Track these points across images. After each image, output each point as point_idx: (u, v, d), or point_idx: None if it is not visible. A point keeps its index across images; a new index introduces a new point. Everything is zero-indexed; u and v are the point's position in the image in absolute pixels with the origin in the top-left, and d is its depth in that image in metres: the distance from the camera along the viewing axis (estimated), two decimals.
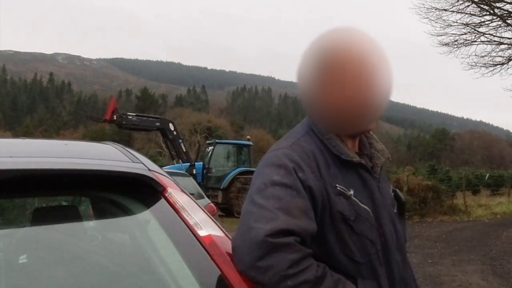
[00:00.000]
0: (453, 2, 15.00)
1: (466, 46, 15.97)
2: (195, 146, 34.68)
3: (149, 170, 1.38)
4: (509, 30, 15.60)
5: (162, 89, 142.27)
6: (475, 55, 16.01)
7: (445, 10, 15.26)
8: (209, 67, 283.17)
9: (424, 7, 15.43)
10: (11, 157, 1.23)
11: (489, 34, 15.79)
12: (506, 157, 74.25)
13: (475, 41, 15.92)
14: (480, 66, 16.10)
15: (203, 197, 7.91)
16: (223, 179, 16.51)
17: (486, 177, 29.44)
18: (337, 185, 1.26)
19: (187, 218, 1.29)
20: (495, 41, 15.85)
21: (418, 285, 1.49)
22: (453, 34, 15.79)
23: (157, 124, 17.25)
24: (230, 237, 1.27)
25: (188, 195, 1.41)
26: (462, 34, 15.80)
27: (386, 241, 1.32)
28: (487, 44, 15.96)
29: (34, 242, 1.31)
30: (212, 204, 7.69)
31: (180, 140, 17.58)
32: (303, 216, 1.18)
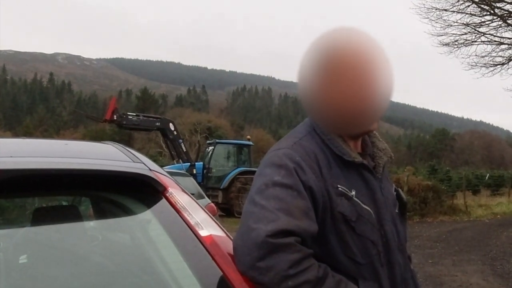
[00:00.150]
0: (454, 2, 15.03)
1: (466, 46, 16.00)
2: (195, 146, 34.68)
3: (150, 170, 1.38)
4: (510, 30, 15.62)
5: (162, 89, 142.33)
6: (476, 55, 16.04)
7: (446, 10, 15.28)
8: (209, 67, 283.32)
9: (425, 7, 15.46)
10: (11, 157, 1.23)
11: (489, 34, 15.81)
12: (506, 157, 74.28)
13: (476, 41, 15.94)
14: (481, 66, 16.13)
15: (203, 197, 7.91)
16: (223, 179, 16.52)
17: (486, 177, 29.45)
18: (338, 186, 1.26)
19: (188, 218, 1.29)
20: (495, 41, 15.87)
21: (419, 285, 1.48)
22: (454, 34, 15.83)
23: (157, 124, 17.27)
24: (231, 237, 1.27)
25: (189, 195, 1.40)
26: (463, 34, 15.83)
27: (387, 242, 1.32)
28: (487, 44, 15.99)
29: (34, 242, 1.31)
30: (212, 204, 7.69)
31: (180, 140, 17.60)
32: (304, 217, 1.17)
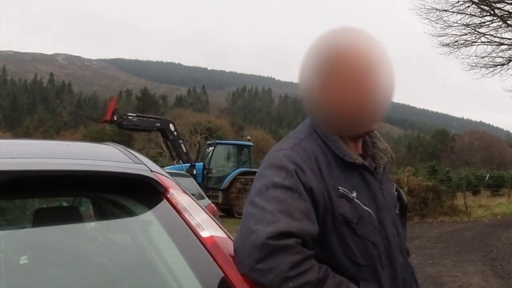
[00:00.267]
0: (454, 2, 15.05)
1: (466, 46, 16.03)
2: (195, 146, 34.70)
3: (151, 171, 1.38)
4: (510, 30, 15.64)
5: (162, 90, 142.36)
6: (476, 56, 16.08)
7: (446, 10, 15.30)
8: (209, 68, 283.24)
9: (425, 8, 15.49)
10: (13, 158, 1.23)
11: (489, 34, 15.83)
12: (506, 157, 74.22)
13: (476, 42, 15.97)
14: (481, 67, 16.16)
15: (203, 198, 7.91)
16: (224, 179, 16.52)
17: (486, 178, 29.45)
18: (339, 187, 1.26)
19: (189, 219, 1.29)
20: (495, 41, 15.89)
21: (418, 285, 1.48)
22: (454, 34, 15.85)
23: (158, 124, 17.25)
24: (232, 238, 1.27)
25: (190, 196, 1.40)
26: (463, 35, 15.86)
27: (389, 243, 1.32)
28: (487, 44, 16.01)
29: (35, 243, 1.31)
30: (212, 205, 7.70)
31: (181, 141, 17.57)
32: (304, 218, 1.17)
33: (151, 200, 1.33)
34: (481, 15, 15.55)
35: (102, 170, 1.31)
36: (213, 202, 9.04)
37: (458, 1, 14.99)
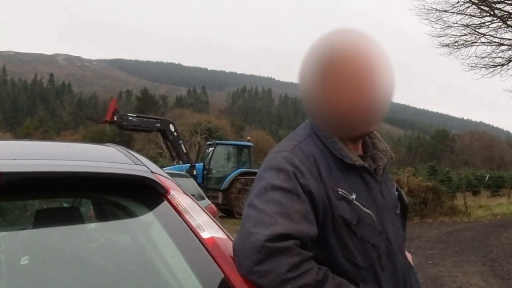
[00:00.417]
0: (454, 3, 15.05)
1: (466, 47, 16.03)
2: (195, 147, 34.73)
3: (152, 172, 1.39)
4: (509, 31, 15.63)
5: (162, 90, 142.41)
6: (475, 56, 16.07)
7: (446, 11, 15.30)
8: (209, 68, 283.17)
9: (425, 8, 15.49)
10: (14, 159, 1.23)
11: (489, 35, 15.83)
12: (506, 158, 74.17)
13: (475, 42, 15.96)
14: (480, 67, 16.15)
15: (203, 198, 7.91)
16: (224, 180, 16.52)
17: (486, 178, 29.44)
18: (339, 189, 1.25)
19: (190, 220, 1.29)
20: (495, 42, 15.89)
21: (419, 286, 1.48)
22: (453, 35, 15.85)
23: (158, 125, 17.25)
24: (232, 239, 1.27)
25: (190, 197, 1.41)
26: (462, 35, 15.85)
27: (390, 245, 1.32)
28: (487, 45, 16.00)
29: (35, 243, 1.31)
30: (212, 205, 7.70)
31: (181, 141, 17.58)
32: (303, 220, 1.17)
33: (152, 201, 1.34)
34: (481, 16, 15.56)
35: (103, 171, 1.31)
36: (213, 203, 9.05)
37: (458, 2, 15.00)
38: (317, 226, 1.21)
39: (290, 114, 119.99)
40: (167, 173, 1.52)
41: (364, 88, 1.18)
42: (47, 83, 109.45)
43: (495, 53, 15.99)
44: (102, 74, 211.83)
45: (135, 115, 18.05)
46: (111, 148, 1.60)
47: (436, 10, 15.36)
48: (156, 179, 1.35)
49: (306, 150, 1.28)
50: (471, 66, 16.13)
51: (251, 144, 18.85)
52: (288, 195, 1.18)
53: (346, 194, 1.26)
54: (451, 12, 15.25)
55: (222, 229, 1.34)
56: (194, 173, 15.26)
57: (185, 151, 17.34)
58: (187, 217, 1.30)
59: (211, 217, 1.37)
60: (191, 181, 8.51)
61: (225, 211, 15.71)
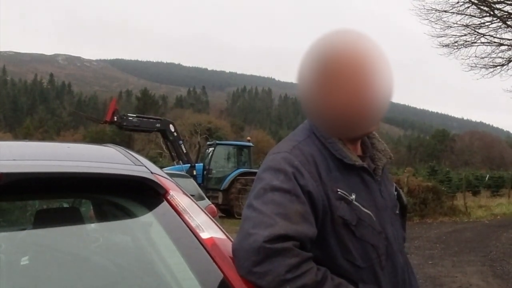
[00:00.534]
0: (453, 3, 15.04)
1: (466, 47, 16.02)
2: (195, 147, 34.73)
3: (152, 173, 1.39)
4: (509, 31, 15.63)
5: (162, 90, 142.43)
6: (475, 56, 16.06)
7: (445, 11, 15.30)
8: (209, 68, 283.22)
9: (424, 8, 15.48)
10: (14, 160, 1.24)
11: (489, 35, 15.83)
12: (506, 158, 74.12)
13: (475, 42, 15.95)
14: (480, 67, 16.15)
15: (203, 199, 7.91)
16: (224, 180, 16.52)
17: (486, 178, 29.45)
18: (338, 190, 1.26)
19: (189, 221, 1.30)
20: (495, 42, 15.88)
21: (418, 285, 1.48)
22: (453, 35, 15.85)
23: (158, 125, 17.26)
24: (232, 239, 1.28)
25: (190, 197, 1.41)
26: (462, 36, 15.84)
27: (389, 245, 1.32)
28: (487, 45, 16.00)
29: (36, 244, 1.31)
30: (212, 206, 7.70)
31: (181, 141, 17.58)
32: (302, 221, 1.17)
33: (151, 201, 1.34)
34: (480, 16, 15.56)
35: (103, 172, 1.32)
36: (213, 203, 9.05)
37: (458, 2, 14.99)
38: (316, 227, 1.21)
39: (290, 114, 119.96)
40: (167, 173, 1.52)
41: (362, 89, 1.18)
42: (47, 83, 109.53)
43: (495, 53, 16.01)
44: (102, 74, 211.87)
45: (135, 115, 18.06)
46: (111, 148, 1.61)
47: (436, 10, 15.38)
48: (156, 180, 1.36)
49: (305, 150, 1.28)
50: (471, 66, 16.15)
51: (251, 144, 18.85)
52: (287, 196, 1.18)
53: (346, 195, 1.26)
54: (451, 12, 15.26)
55: (221, 230, 1.34)
56: (194, 173, 15.27)
57: (185, 151, 17.35)
58: (186, 217, 1.30)
59: (210, 218, 1.37)
60: (191, 181, 8.51)
61: (225, 211, 15.71)
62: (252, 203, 1.21)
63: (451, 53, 16.07)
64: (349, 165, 1.29)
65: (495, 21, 15.54)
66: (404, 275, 1.37)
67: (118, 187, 1.33)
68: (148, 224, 1.36)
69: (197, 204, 1.40)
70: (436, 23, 15.61)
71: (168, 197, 1.35)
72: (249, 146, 18.33)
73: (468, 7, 15.17)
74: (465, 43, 15.91)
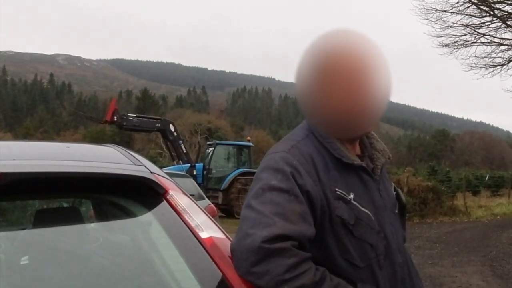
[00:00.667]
0: (453, 3, 15.03)
1: (466, 47, 16.01)
2: (195, 147, 34.74)
3: (151, 172, 1.39)
4: (509, 31, 15.62)
5: (163, 90, 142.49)
6: (475, 56, 16.05)
7: (445, 11, 15.28)
8: (209, 68, 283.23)
9: (424, 8, 15.47)
10: (14, 160, 1.24)
11: (489, 35, 15.81)
12: (506, 158, 74.15)
13: (475, 42, 15.94)
14: (480, 67, 16.14)
15: (203, 198, 7.91)
16: (224, 180, 16.52)
17: (486, 178, 29.42)
18: (336, 189, 1.26)
19: (189, 220, 1.30)
20: (495, 42, 15.87)
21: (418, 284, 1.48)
22: (453, 35, 15.83)
23: (158, 125, 17.26)
24: (231, 239, 1.28)
25: (189, 197, 1.41)
26: (462, 35, 15.83)
27: (388, 244, 1.32)
28: (487, 45, 15.99)
29: (35, 243, 1.32)
30: (212, 205, 7.70)
31: (181, 141, 17.58)
32: (300, 221, 1.17)
33: (151, 201, 1.34)
34: (480, 16, 15.55)
35: (102, 171, 1.32)
36: (213, 203, 9.05)
37: (457, 2, 14.98)
38: (315, 226, 1.22)
39: (290, 114, 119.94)
40: (167, 173, 1.53)
41: (360, 89, 1.18)
42: (47, 83, 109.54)
43: (495, 53, 15.99)
44: (102, 74, 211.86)
45: (135, 115, 18.06)
46: (110, 148, 1.61)
47: (436, 10, 15.36)
48: (155, 179, 1.36)
49: (304, 150, 1.28)
50: (471, 66, 16.14)
51: (251, 144, 18.84)
52: (285, 196, 1.18)
53: (344, 194, 1.26)
54: (451, 12, 15.25)
55: (220, 229, 1.35)
56: (194, 173, 15.27)
57: (185, 151, 17.35)
58: (186, 217, 1.31)
59: (209, 217, 1.37)
60: (191, 181, 8.51)
61: (225, 211, 15.72)
62: (250, 203, 1.21)
63: (451, 53, 16.08)
64: (348, 165, 1.29)
65: (495, 21, 15.53)
66: (404, 274, 1.37)
67: (117, 187, 1.33)
68: (147, 224, 1.36)
69: (196, 204, 1.40)
70: (436, 23, 15.61)
71: (168, 197, 1.35)
72: (249, 146, 18.33)
73: (468, 7, 15.17)
74: (465, 43, 15.91)
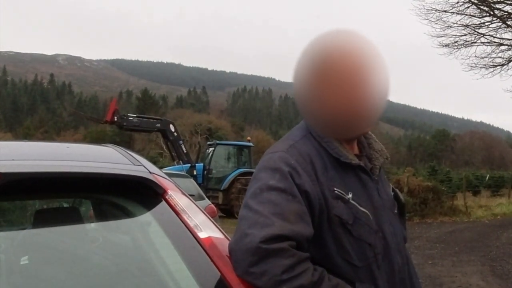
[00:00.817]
0: (453, 3, 15.04)
1: (466, 47, 16.02)
2: (195, 147, 34.75)
3: (150, 172, 1.40)
4: (509, 31, 15.63)
5: (163, 90, 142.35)
6: (475, 56, 16.07)
7: (445, 11, 15.30)
8: (209, 68, 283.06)
9: (424, 9, 15.48)
10: (13, 160, 1.24)
11: (489, 35, 15.82)
12: (506, 158, 74.10)
13: (475, 42, 15.95)
14: (480, 67, 16.15)
15: (203, 198, 7.91)
16: (224, 180, 16.52)
17: (487, 178, 29.41)
18: (335, 189, 1.26)
19: (188, 220, 1.31)
20: (495, 42, 15.88)
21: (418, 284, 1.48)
22: (453, 35, 15.85)
23: (158, 125, 17.27)
24: (230, 239, 1.28)
25: (188, 197, 1.42)
26: (462, 35, 15.84)
27: (387, 244, 1.32)
28: (487, 45, 16.00)
29: (35, 243, 1.32)
30: (212, 205, 7.69)
31: (181, 141, 17.60)
32: (298, 221, 1.17)
33: (150, 201, 1.35)
34: (480, 16, 15.55)
35: (102, 172, 1.33)
36: (213, 203, 9.05)
37: (457, 2, 14.99)
38: (313, 226, 1.21)
39: (290, 114, 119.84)
40: (167, 173, 1.53)
41: (358, 89, 1.18)
42: (47, 84, 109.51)
43: (495, 53, 16.00)
44: (102, 74, 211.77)
45: (135, 115, 18.08)
46: (110, 148, 1.62)
47: (436, 10, 15.37)
48: (154, 180, 1.36)
49: (302, 150, 1.28)
50: (471, 66, 16.15)
51: (251, 144, 18.84)
52: (283, 196, 1.18)
53: (342, 194, 1.26)
54: (451, 12, 15.26)
55: (219, 229, 1.35)
56: (194, 173, 15.27)
57: (185, 151, 17.36)
58: (184, 217, 1.31)
59: (208, 217, 1.38)
60: (191, 181, 8.51)
61: (225, 211, 15.71)
62: (248, 203, 1.21)
63: (451, 53, 16.09)
64: (346, 164, 1.29)
65: (495, 21, 15.54)
66: (403, 274, 1.37)
67: (117, 187, 1.34)
68: (146, 224, 1.37)
69: (195, 204, 1.41)
70: (436, 23, 15.63)
71: (167, 197, 1.36)
72: (249, 146, 18.33)
73: (468, 7, 15.18)
74: (465, 43, 15.92)
